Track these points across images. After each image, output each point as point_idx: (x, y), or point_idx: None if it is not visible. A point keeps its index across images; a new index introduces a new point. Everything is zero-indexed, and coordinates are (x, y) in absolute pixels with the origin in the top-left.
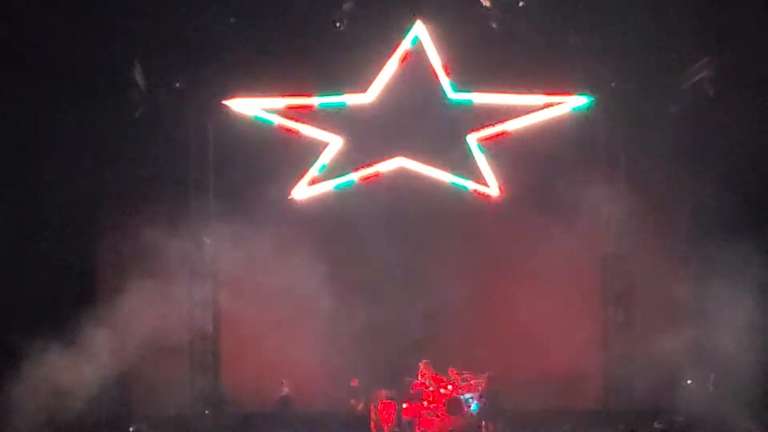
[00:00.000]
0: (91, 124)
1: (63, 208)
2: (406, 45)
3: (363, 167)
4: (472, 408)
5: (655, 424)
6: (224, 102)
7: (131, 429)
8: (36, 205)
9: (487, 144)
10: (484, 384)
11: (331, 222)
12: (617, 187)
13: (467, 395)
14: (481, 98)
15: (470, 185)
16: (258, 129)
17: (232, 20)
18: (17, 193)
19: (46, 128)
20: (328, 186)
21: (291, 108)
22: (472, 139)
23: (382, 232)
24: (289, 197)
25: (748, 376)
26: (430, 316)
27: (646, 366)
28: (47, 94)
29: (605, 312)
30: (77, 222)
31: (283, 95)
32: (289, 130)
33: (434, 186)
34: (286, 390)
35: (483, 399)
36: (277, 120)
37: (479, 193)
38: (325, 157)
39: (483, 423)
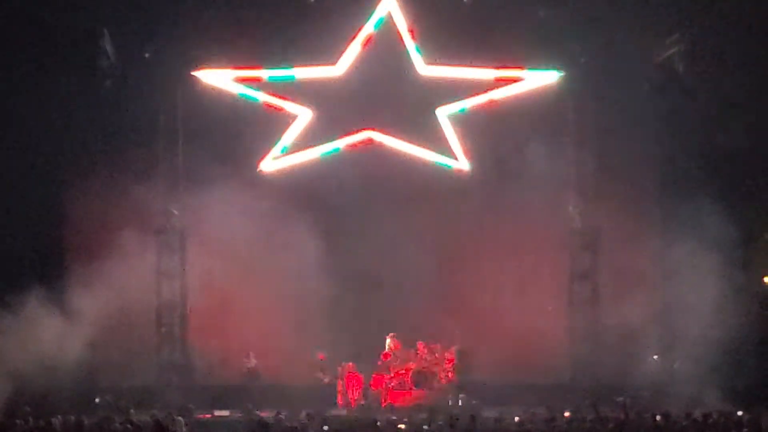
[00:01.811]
0: (60, 92)
1: (30, 177)
2: (369, 28)
3: (332, 140)
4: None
5: (617, 399)
6: (193, 73)
7: (97, 400)
8: (2, 172)
9: (456, 117)
10: (452, 357)
11: (299, 194)
12: (586, 163)
13: (434, 368)
14: (451, 72)
15: (439, 159)
16: (227, 100)
17: None
18: None
19: (15, 96)
20: (297, 158)
21: (260, 80)
22: (442, 113)
23: (350, 205)
24: (258, 169)
25: (711, 351)
26: (398, 290)
27: (612, 341)
28: (17, 62)
29: (572, 287)
30: (44, 192)
31: (252, 67)
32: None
33: (403, 159)
34: (253, 362)
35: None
36: (246, 92)
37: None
38: (294, 130)
39: (450, 396)
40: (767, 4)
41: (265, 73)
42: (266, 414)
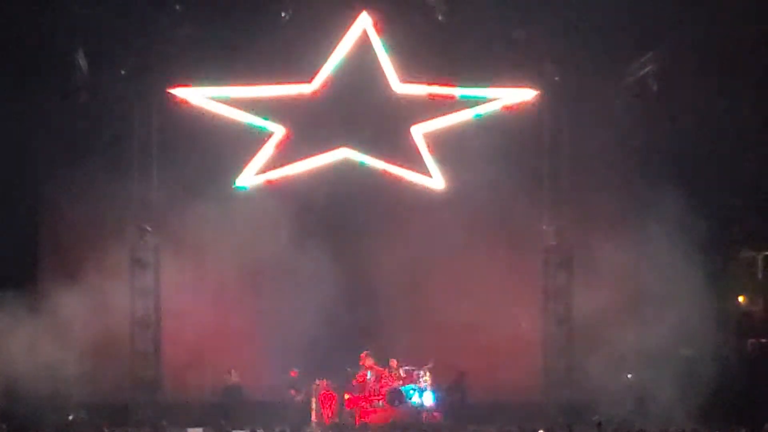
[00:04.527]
0: (33, 109)
1: (1, 195)
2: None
3: (307, 158)
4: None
5: (594, 418)
6: (169, 90)
7: (70, 417)
8: None
9: (430, 135)
10: (429, 375)
11: (274, 211)
12: (560, 180)
13: (408, 386)
14: (426, 90)
15: (413, 176)
16: (202, 117)
17: (177, 8)
18: None
19: None
20: (272, 175)
21: (235, 97)
22: (417, 131)
23: (325, 222)
24: (233, 186)
25: (686, 370)
26: (372, 307)
27: (586, 359)
28: None
29: (546, 305)
30: (17, 208)
31: (227, 84)
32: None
33: (378, 177)
34: (235, 379)
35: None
36: (221, 109)
37: (422, 185)
38: (269, 148)
39: (425, 414)
40: (739, 21)
41: (240, 90)
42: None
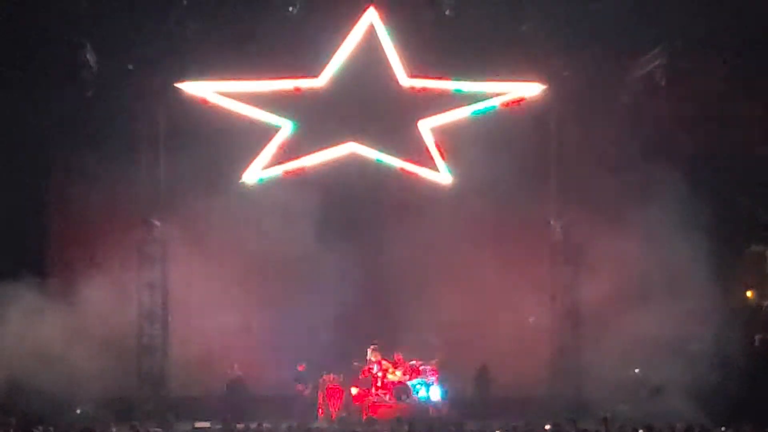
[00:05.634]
0: (41, 104)
1: (10, 188)
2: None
3: (314, 152)
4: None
5: (600, 413)
6: (176, 84)
7: (78, 410)
8: None
9: (438, 130)
10: (435, 370)
11: (281, 206)
12: (567, 175)
13: (415, 381)
14: (433, 84)
15: (421, 171)
16: (209, 112)
17: (185, 2)
18: None
19: None
20: (279, 170)
21: (243, 91)
22: (424, 126)
23: (332, 218)
24: (240, 181)
25: (693, 365)
26: (379, 302)
27: (593, 354)
28: None
29: (553, 300)
30: (24, 203)
31: (235, 79)
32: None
33: (385, 172)
34: (238, 373)
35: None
36: (229, 103)
37: (430, 180)
38: (276, 142)
39: (431, 408)
40: (745, 17)
41: (247, 85)
42: (247, 426)
